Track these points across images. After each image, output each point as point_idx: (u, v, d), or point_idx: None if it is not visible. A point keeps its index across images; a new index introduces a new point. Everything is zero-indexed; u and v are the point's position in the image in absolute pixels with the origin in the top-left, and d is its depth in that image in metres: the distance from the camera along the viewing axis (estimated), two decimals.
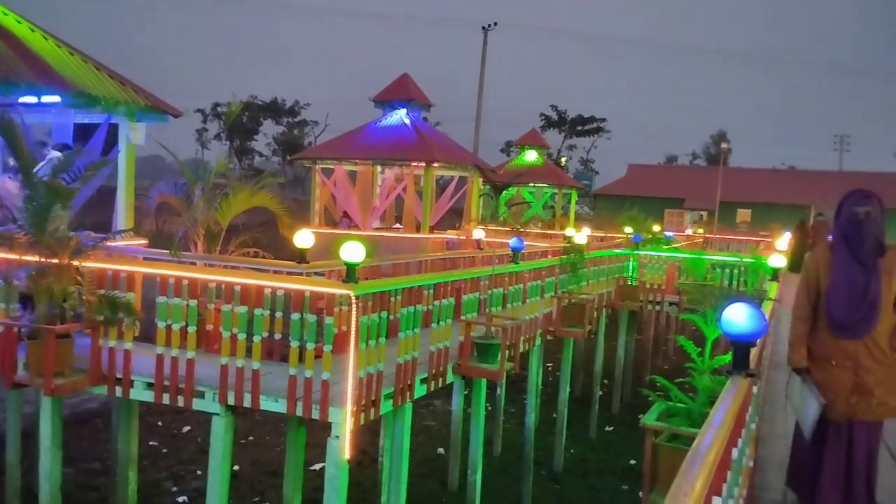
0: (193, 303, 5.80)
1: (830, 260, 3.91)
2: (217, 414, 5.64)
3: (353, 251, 5.51)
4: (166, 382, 5.74)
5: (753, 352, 3.36)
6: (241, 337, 5.59)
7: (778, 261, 9.01)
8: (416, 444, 10.89)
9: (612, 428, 12.71)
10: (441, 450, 10.72)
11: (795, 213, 33.09)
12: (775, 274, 8.86)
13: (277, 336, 6.58)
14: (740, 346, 3.13)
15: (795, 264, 16.99)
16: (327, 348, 5.36)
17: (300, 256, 7.79)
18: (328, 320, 5.47)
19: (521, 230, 21.06)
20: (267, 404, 5.55)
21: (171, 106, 9.76)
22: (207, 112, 60.89)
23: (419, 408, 12.34)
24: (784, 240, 18.00)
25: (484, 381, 7.85)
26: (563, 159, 61.44)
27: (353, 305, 5.27)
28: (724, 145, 48.97)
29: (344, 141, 21.05)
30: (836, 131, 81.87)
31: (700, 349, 4.61)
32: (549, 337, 10.29)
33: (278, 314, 6.53)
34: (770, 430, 5.67)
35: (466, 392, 9.34)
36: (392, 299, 6.95)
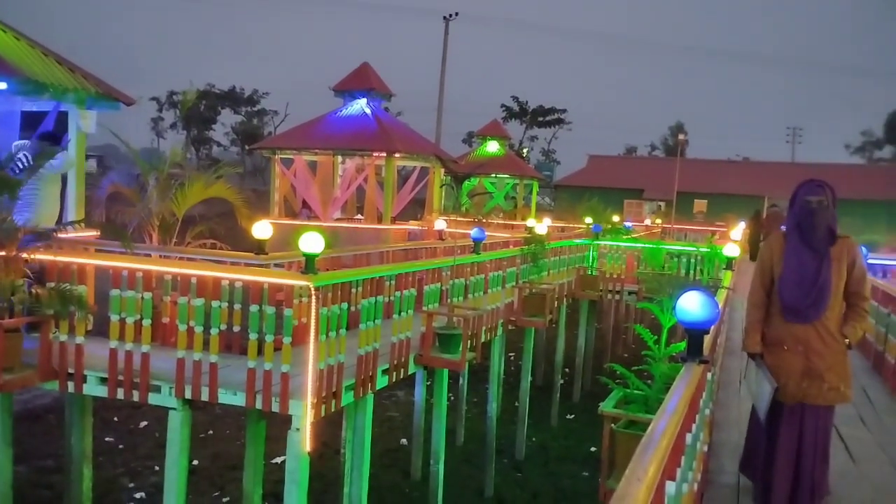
0: (148, 295, 5.68)
1: (784, 248, 4.01)
2: (174, 408, 5.54)
3: (312, 242, 5.44)
4: (121, 377, 5.61)
5: (707, 339, 3.43)
6: (198, 330, 5.49)
7: (732, 250, 9.21)
8: (379, 434, 10.88)
9: (573, 416, 12.88)
10: (404, 440, 10.74)
11: (750, 204, 33.89)
12: (730, 263, 9.06)
13: (236, 328, 6.54)
14: (694, 334, 3.19)
15: (751, 253, 17.44)
16: (287, 340, 5.31)
17: (259, 248, 7.68)
18: (287, 312, 5.41)
19: (483, 221, 21.14)
20: (225, 398, 5.47)
21: (124, 93, 9.49)
22: (163, 100, 59.56)
23: (382, 399, 12.33)
24: (739, 229, 18.45)
25: (446, 371, 7.87)
26: (525, 150, 61.80)
27: (313, 297, 5.22)
28: (681, 137, 49.68)
29: (304, 131, 20.83)
30: (789, 123, 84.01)
31: (657, 337, 4.69)
32: (510, 327, 10.37)
33: (237, 306, 6.48)
34: (725, 415, 5.81)
35: (429, 382, 9.37)
36: (353, 290, 6.94)
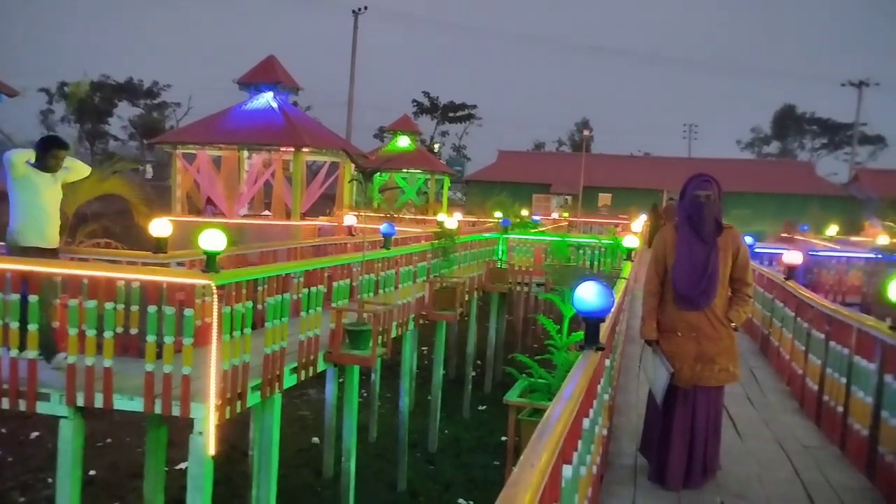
0: (34, 298, 5.34)
1: (676, 238, 4.22)
2: (65, 417, 5.24)
3: (212, 239, 5.27)
4: (5, 386, 5.25)
5: (604, 327, 3.55)
6: (91, 333, 5.21)
7: (632, 242, 9.59)
8: (290, 434, 10.69)
9: (484, 407, 13.08)
10: (316, 439, 10.59)
11: (651, 197, 35.44)
12: (630, 254, 9.43)
13: (133, 331, 6.25)
14: (591, 322, 3.30)
15: (650, 245, 18.24)
16: (188, 341, 5.12)
17: (157, 246, 7.36)
18: (188, 312, 5.21)
19: (395, 216, 21.10)
20: (122, 403, 5.22)
21: (7, 85, 8.88)
22: (53, 92, 55.98)
23: (293, 398, 12.11)
24: (640, 222, 19.25)
25: (357, 367, 7.81)
26: (436, 145, 62.10)
27: (215, 296, 5.06)
28: (586, 133, 51.42)
29: (207, 124, 20.12)
30: (686, 121, 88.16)
31: (559, 327, 4.83)
32: (422, 321, 10.41)
33: (134, 308, 6.19)
34: (625, 399, 6.06)
35: (340, 380, 9.27)
36: (259, 288, 6.78)
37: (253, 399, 5.72)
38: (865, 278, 13.90)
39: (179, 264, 7.64)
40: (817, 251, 15.07)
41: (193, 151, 19.57)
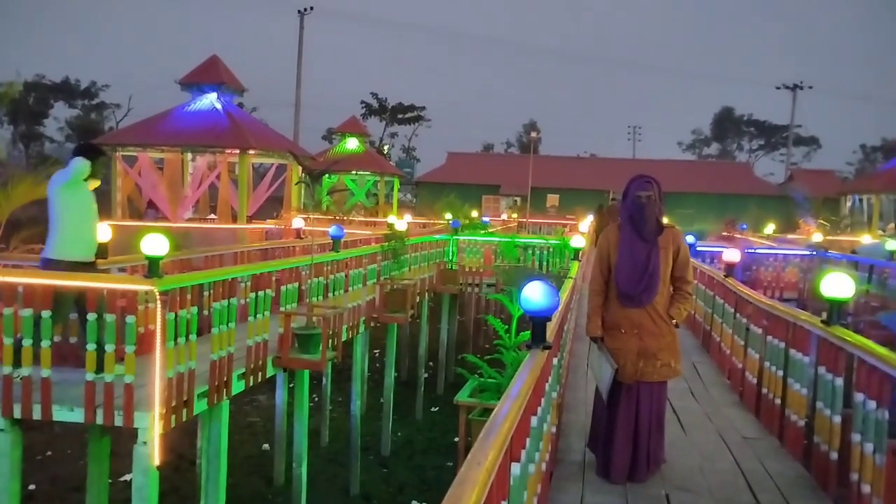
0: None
1: (619, 238, 4.32)
2: (1, 429, 5.04)
3: (154, 244, 5.14)
4: None
5: (550, 325, 3.61)
6: (27, 343, 5.03)
7: (579, 242, 9.75)
8: (240, 441, 10.51)
9: (437, 408, 13.10)
10: (266, 446, 10.44)
11: (597, 198, 36.12)
12: (577, 254, 9.59)
13: (73, 340, 6.06)
14: (537, 321, 3.35)
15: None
16: (130, 349, 4.99)
17: (96, 252, 7.13)
18: (130, 319, 5.08)
19: (344, 218, 20.97)
20: (61, 414, 5.05)
21: None
22: None
23: (242, 404, 11.91)
24: (587, 222, 19.58)
25: (307, 372, 7.73)
26: (386, 147, 61.96)
27: (158, 302, 4.94)
28: (534, 135, 51.96)
29: (148, 126, 19.62)
30: (630, 122, 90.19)
31: (508, 327, 4.88)
32: (373, 324, 10.37)
33: (72, 315, 5.99)
34: (574, 396, 6.16)
35: (291, 385, 9.16)
36: (205, 293, 6.65)
37: (199, 407, 5.60)
38: (801, 274, 14.45)
39: (121, 270, 7.44)
40: (755, 249, 15.61)
41: (134, 154, 19.06)
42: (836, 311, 4.32)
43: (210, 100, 19.57)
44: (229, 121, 18.88)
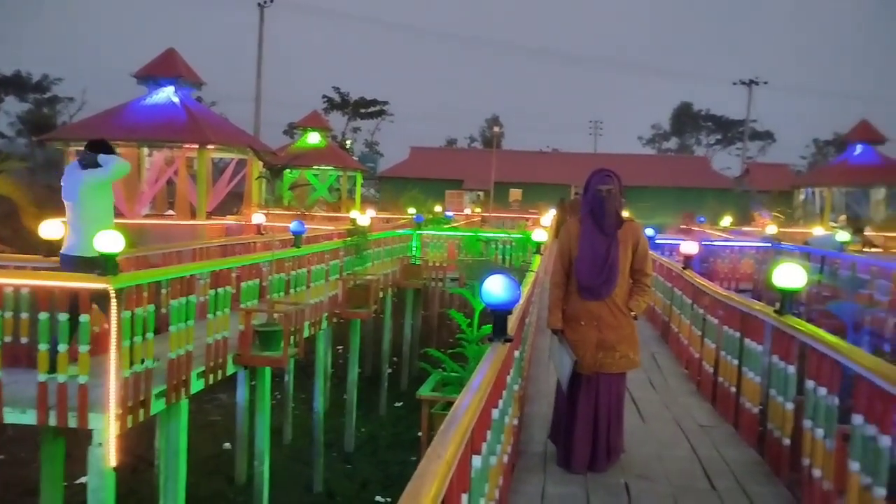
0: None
1: (579, 231, 4.36)
2: None
3: (108, 241, 5.02)
4: None
5: (511, 318, 3.63)
6: None
7: (541, 235, 9.83)
8: (200, 441, 10.33)
9: (401, 403, 13.09)
10: (227, 444, 10.30)
11: (559, 192, 36.46)
12: (539, 247, 9.66)
13: (24, 340, 5.88)
14: (499, 315, 3.37)
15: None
16: (84, 349, 4.87)
17: (48, 249, 6.93)
18: (83, 318, 4.95)
19: (306, 214, 20.77)
20: (12, 416, 4.91)
21: None
22: None
23: (202, 403, 11.72)
24: (549, 216, 19.75)
25: (269, 369, 7.66)
26: (348, 142, 61.47)
27: (113, 300, 4.83)
28: (496, 129, 52.13)
29: (103, 120, 19.12)
30: (591, 117, 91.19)
31: (470, 321, 4.90)
32: (336, 320, 10.30)
33: (24, 315, 5.82)
34: (536, 389, 6.21)
35: (252, 382, 9.05)
36: (163, 291, 6.52)
37: (157, 406, 5.50)
38: (756, 266, 14.81)
39: None
40: (713, 241, 15.94)
41: None
42: (788, 300, 4.43)
43: (167, 93, 19.15)
44: (187, 115, 18.51)
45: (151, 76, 19.44)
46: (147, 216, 18.47)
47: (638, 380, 6.58)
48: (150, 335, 5.34)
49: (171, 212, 19.86)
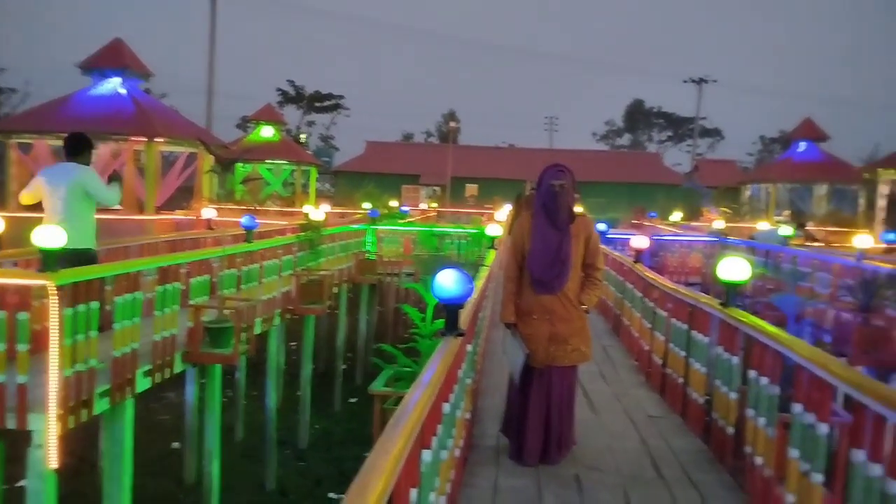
0: None
1: (532, 226, 4.39)
2: None
3: (49, 236, 4.85)
4: None
5: (464, 313, 3.64)
6: None
7: (495, 230, 9.88)
8: (148, 441, 10.08)
9: (356, 399, 13.01)
10: (177, 444, 10.08)
11: (516, 187, 36.66)
12: (493, 242, 9.71)
13: None
14: (450, 309, 3.37)
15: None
16: (23, 348, 4.70)
17: None
18: (22, 316, 4.77)
19: (259, 208, 20.46)
20: None
21: None
22: None
23: (151, 402, 11.45)
24: (504, 211, 19.87)
25: (219, 366, 7.51)
26: (304, 136, 60.74)
27: (51, 297, 4.66)
28: (453, 124, 52.24)
29: (46, 111, 18.48)
30: (547, 113, 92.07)
31: (424, 315, 4.89)
32: (289, 316, 10.17)
33: None
34: (490, 382, 6.24)
35: (203, 380, 8.87)
36: (108, 287, 6.33)
37: (101, 406, 5.34)
38: (704, 260, 15.18)
39: (14, 264, 7.00)
40: (663, 236, 16.27)
41: (30, 141, 17.91)
42: (732, 293, 4.55)
43: (113, 84, 18.58)
44: (135, 107, 18.00)
45: (97, 67, 18.85)
46: None
47: (590, 372, 6.68)
48: (93, 333, 5.18)
49: (117, 206, 19.32)
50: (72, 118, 17.70)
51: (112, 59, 18.84)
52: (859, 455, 2.70)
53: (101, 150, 18.73)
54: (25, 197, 6.71)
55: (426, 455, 2.56)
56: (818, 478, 3.07)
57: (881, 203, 22.55)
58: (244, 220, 9.06)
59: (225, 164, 21.33)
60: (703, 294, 5.50)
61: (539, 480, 4.11)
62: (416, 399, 2.33)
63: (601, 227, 13.38)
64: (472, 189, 45.58)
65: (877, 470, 2.59)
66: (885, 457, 2.58)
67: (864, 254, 10.05)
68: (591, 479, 4.15)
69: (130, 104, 18.17)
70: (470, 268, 5.32)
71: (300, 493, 9.13)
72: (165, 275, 6.37)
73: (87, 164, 6.71)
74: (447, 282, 3.31)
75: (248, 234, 8.93)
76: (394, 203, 24.30)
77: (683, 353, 5.51)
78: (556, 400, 4.37)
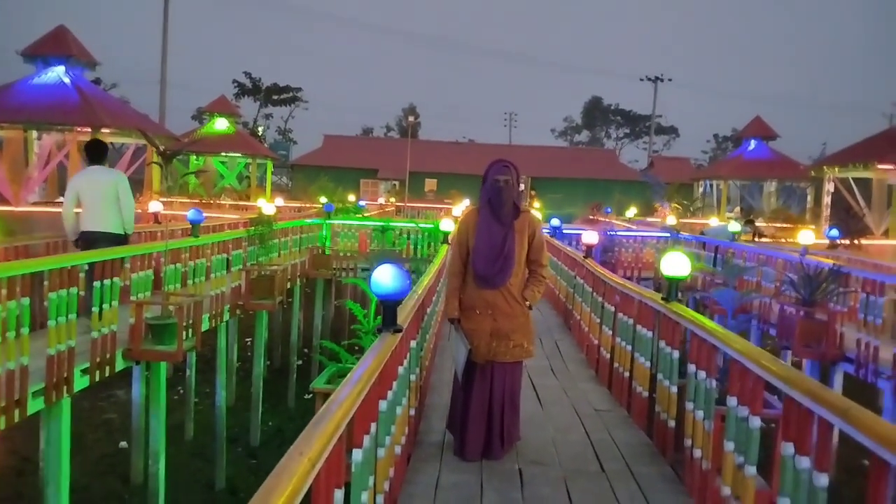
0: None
1: (477, 221, 4.36)
2: None
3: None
4: None
5: (403, 309, 3.59)
6: None
7: (448, 225, 9.84)
8: (94, 440, 9.83)
9: (310, 395, 12.82)
10: (123, 443, 9.82)
11: (475, 182, 36.72)
12: (446, 237, 9.67)
13: None
14: (388, 305, 3.32)
15: None
16: None
17: None
18: None
19: (212, 202, 20.06)
20: None
21: None
22: None
23: (97, 400, 11.14)
24: (462, 206, 19.87)
25: (163, 364, 7.32)
26: (260, 129, 59.86)
27: None
28: (412, 119, 52.04)
29: None
30: (506, 109, 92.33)
31: (366, 311, 4.83)
32: (239, 312, 9.99)
33: None
34: (439, 378, 6.22)
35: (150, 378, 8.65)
36: (45, 283, 6.11)
37: (35, 406, 5.16)
38: (657, 255, 15.39)
39: None
40: (616, 231, 16.46)
41: None
42: (673, 288, 4.60)
43: (57, 73, 17.96)
44: (79, 96, 17.43)
45: (40, 54, 18.20)
46: (35, 203, 17.32)
47: (539, 367, 6.70)
48: (25, 330, 4.99)
49: (61, 199, 18.72)
50: (12, 107, 17.08)
51: (56, 46, 18.20)
52: (789, 448, 2.74)
53: (45, 141, 18.14)
54: (68, 208, 7.21)
55: (357, 454, 2.51)
56: (751, 470, 3.11)
57: (827, 200, 23.20)
58: (190, 213, 8.85)
59: (168, 157, 20.77)
60: (646, 289, 5.56)
61: (482, 476, 4.10)
62: (343, 397, 2.27)
63: (554, 222, 13.48)
64: (431, 184, 45.48)
65: (805, 462, 2.62)
66: (811, 449, 2.62)
67: (807, 249, 10.31)
68: (532, 473, 4.15)
69: (74, 93, 17.59)
70: (423, 263, 5.28)
71: (251, 492, 8.70)
72: (103, 270, 6.17)
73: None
74: (384, 278, 3.26)
75: (195, 228, 8.72)
76: (351, 197, 24.09)
77: (629, 348, 5.57)
78: (499, 395, 4.36)
